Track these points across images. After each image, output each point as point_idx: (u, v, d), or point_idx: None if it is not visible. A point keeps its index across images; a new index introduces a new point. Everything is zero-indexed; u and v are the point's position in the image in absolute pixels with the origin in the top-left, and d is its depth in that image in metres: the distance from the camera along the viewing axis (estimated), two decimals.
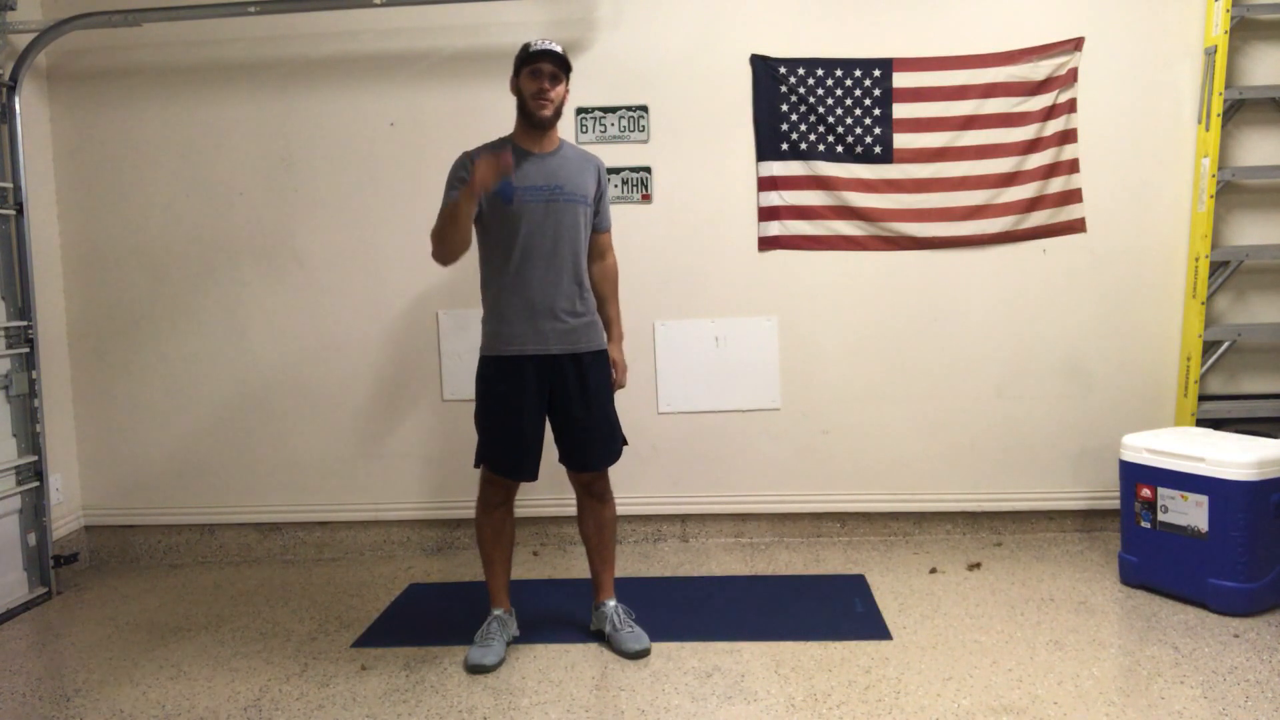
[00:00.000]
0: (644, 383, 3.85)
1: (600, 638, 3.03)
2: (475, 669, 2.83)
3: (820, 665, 2.79)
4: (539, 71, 2.75)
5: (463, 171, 2.77)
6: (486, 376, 2.88)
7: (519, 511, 3.95)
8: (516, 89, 2.82)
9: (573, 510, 3.88)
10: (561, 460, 2.96)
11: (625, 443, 3.02)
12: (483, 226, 2.86)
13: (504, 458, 2.88)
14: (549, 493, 3.93)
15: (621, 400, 3.91)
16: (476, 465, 2.95)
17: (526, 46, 2.77)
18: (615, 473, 3.92)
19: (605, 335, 2.98)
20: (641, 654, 2.90)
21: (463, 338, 3.89)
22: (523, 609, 3.30)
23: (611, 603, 3.03)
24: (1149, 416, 3.73)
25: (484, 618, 3.01)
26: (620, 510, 3.91)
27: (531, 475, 2.91)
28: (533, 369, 2.82)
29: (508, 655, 2.93)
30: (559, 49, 2.76)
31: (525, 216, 2.78)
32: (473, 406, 3.87)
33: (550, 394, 2.86)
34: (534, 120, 2.79)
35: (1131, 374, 3.79)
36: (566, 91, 2.84)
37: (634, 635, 2.95)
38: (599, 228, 2.99)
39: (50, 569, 3.67)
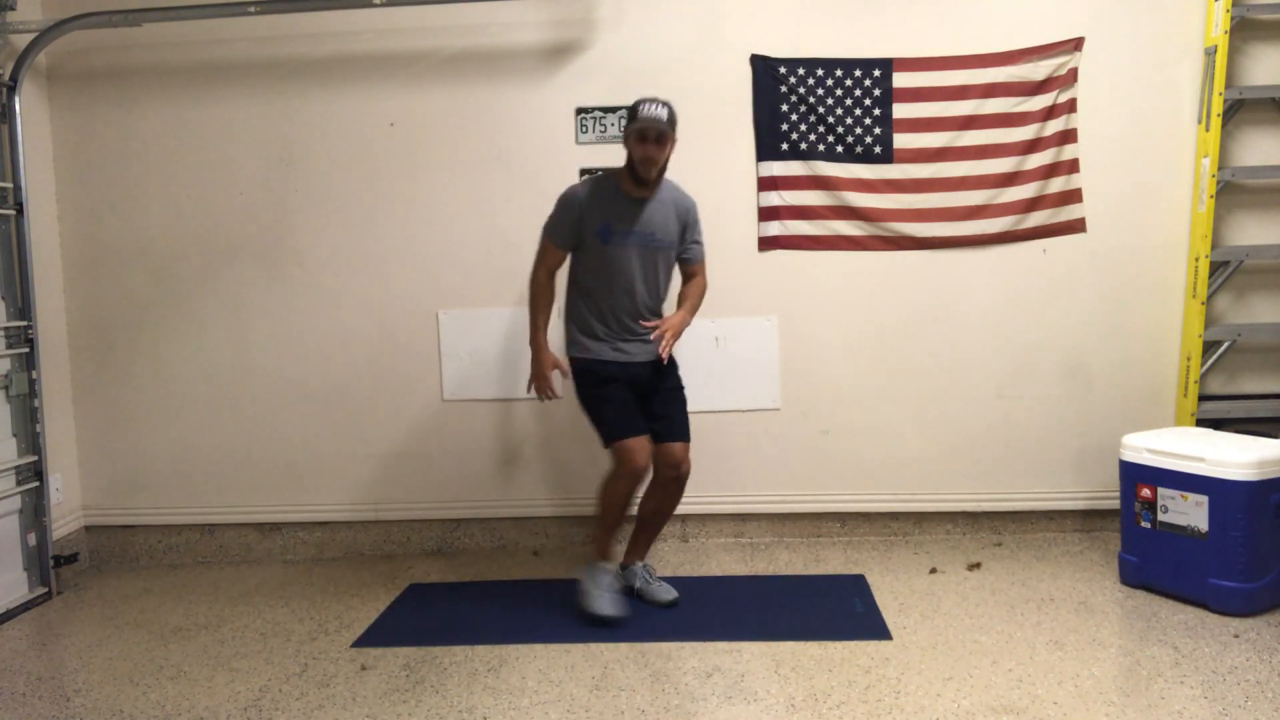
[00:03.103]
0: None
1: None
2: (607, 621, 3.08)
3: (820, 665, 2.79)
4: (645, 136, 3.02)
5: (574, 210, 3.10)
6: (585, 374, 3.18)
7: (518, 511, 3.98)
8: (626, 144, 3.09)
9: (572, 511, 3.92)
10: (660, 439, 3.18)
11: None
12: (580, 253, 3.17)
13: (629, 419, 3.11)
14: (549, 493, 3.94)
15: None
16: (607, 444, 3.14)
17: (636, 107, 3.04)
18: None
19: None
20: (673, 603, 3.20)
21: (463, 338, 3.89)
22: (523, 609, 3.30)
23: (641, 563, 3.32)
24: (1149, 416, 3.73)
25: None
26: None
27: (648, 431, 3.16)
28: (620, 369, 3.15)
29: (513, 654, 2.93)
30: (664, 115, 3.02)
31: (618, 255, 3.11)
32: (474, 407, 3.96)
33: (644, 387, 3.18)
34: (638, 179, 3.08)
35: (1131, 374, 3.79)
36: (673, 147, 3.10)
37: (665, 588, 3.25)
38: (690, 260, 3.28)
39: (50, 569, 3.67)
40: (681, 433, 3.21)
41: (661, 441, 3.18)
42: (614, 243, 3.09)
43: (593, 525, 3.38)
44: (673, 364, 3.29)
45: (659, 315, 3.20)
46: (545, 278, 3.20)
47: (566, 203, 3.15)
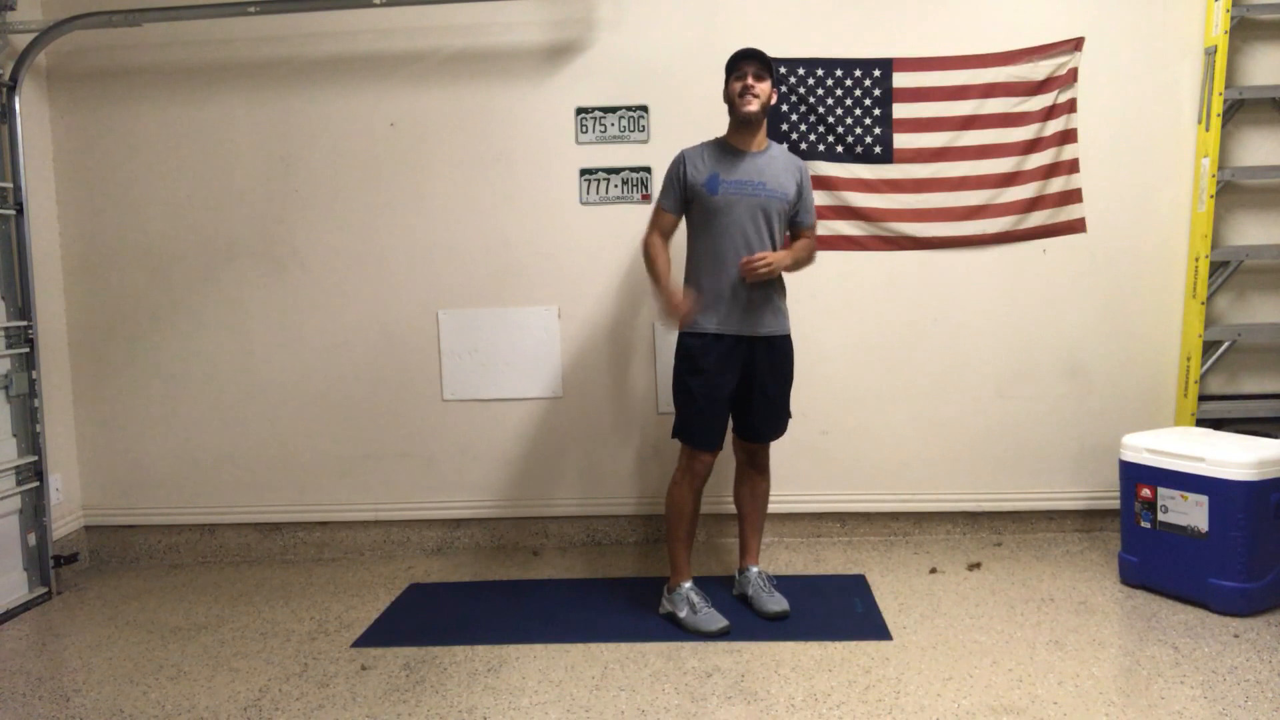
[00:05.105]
0: (644, 383, 3.86)
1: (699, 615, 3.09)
2: (723, 631, 3.00)
3: (820, 665, 2.79)
4: (742, 72, 3.03)
5: (681, 168, 3.11)
6: (686, 353, 3.11)
7: (518, 511, 3.98)
8: (726, 95, 3.09)
9: (572, 511, 3.93)
10: (737, 432, 3.21)
11: (790, 416, 3.29)
12: (691, 214, 3.14)
13: (706, 430, 3.09)
14: (549, 493, 3.94)
15: (623, 400, 3.92)
16: (674, 437, 3.15)
17: (732, 54, 3.06)
18: (613, 474, 3.93)
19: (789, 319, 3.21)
20: (781, 615, 3.09)
21: (463, 338, 3.89)
22: (523, 609, 3.30)
23: (755, 569, 3.26)
24: (1149, 416, 3.73)
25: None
26: (619, 511, 3.95)
27: (720, 445, 3.12)
28: (729, 346, 3.06)
29: (513, 654, 2.93)
30: (760, 52, 3.04)
31: (729, 208, 3.05)
32: (474, 407, 3.94)
33: (743, 372, 3.10)
34: (740, 116, 3.05)
35: (1131, 374, 3.79)
36: (773, 92, 3.08)
37: (774, 599, 3.15)
38: (802, 223, 3.21)
39: (50, 569, 3.67)
40: (766, 435, 3.21)
41: (742, 438, 3.23)
42: (722, 192, 3.03)
43: (665, 543, 3.26)
44: (785, 358, 3.19)
45: (776, 277, 3.11)
46: (657, 239, 3.16)
47: (674, 163, 3.15)
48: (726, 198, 3.03)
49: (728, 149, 3.11)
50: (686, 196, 3.11)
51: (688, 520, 3.14)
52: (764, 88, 3.03)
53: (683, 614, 3.08)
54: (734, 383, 3.09)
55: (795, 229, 3.21)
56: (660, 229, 3.18)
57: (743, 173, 3.05)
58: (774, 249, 3.09)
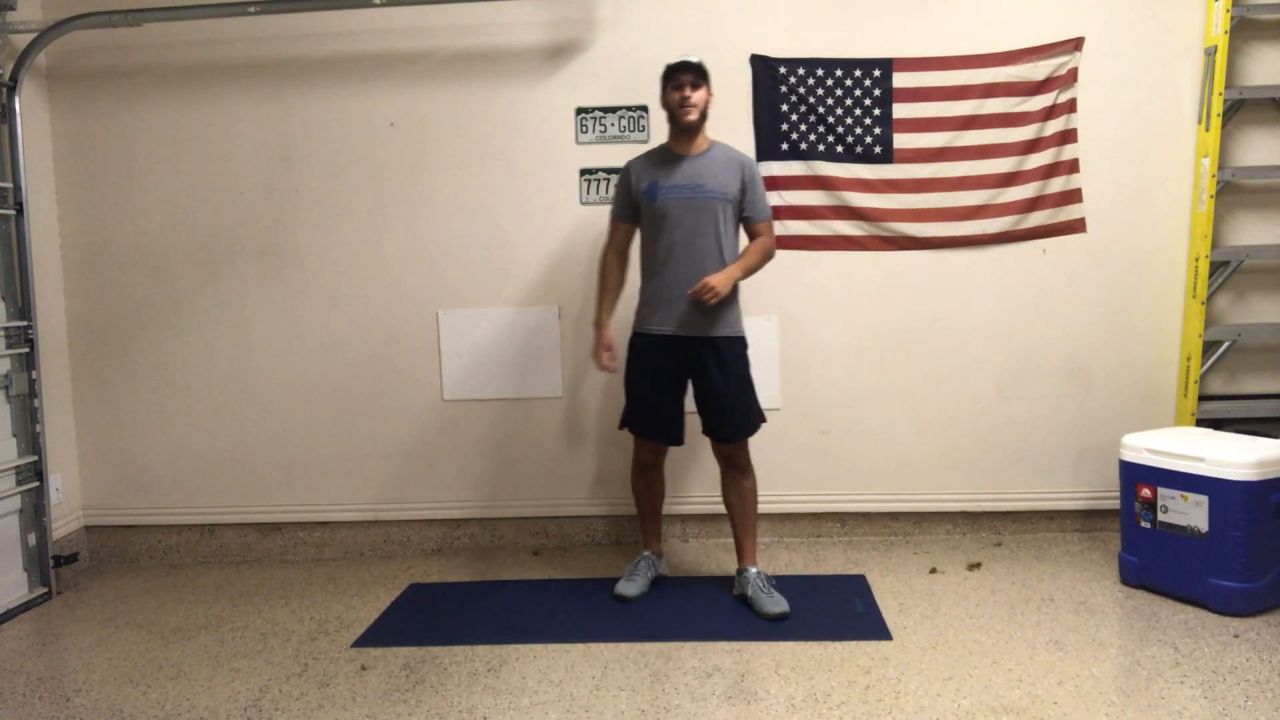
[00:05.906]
0: None
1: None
2: (617, 598, 3.30)
3: (820, 665, 2.79)
4: (680, 83, 3.11)
5: (627, 177, 3.26)
6: (632, 349, 3.27)
7: (518, 511, 3.99)
8: (665, 103, 3.17)
9: (572, 511, 3.94)
10: (704, 432, 3.28)
11: (764, 419, 3.29)
12: (641, 220, 3.25)
13: (644, 422, 3.27)
14: (549, 493, 3.94)
15: (622, 400, 3.92)
16: (620, 428, 3.35)
17: (668, 65, 3.14)
18: (612, 473, 3.93)
19: (741, 321, 3.23)
20: (781, 617, 3.10)
21: (463, 338, 3.89)
22: (523, 609, 3.30)
23: (754, 569, 3.28)
24: (1149, 416, 3.73)
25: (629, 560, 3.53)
26: (618, 511, 3.95)
27: (673, 439, 3.30)
28: (670, 346, 3.17)
29: (513, 654, 2.93)
30: (694, 59, 3.12)
31: (668, 213, 3.14)
32: (474, 407, 4.04)
33: (690, 371, 3.21)
34: (680, 125, 3.15)
35: (1131, 374, 3.79)
36: (710, 96, 3.16)
37: (774, 600, 3.15)
38: (753, 218, 3.24)
39: (50, 569, 3.67)
40: (719, 433, 3.22)
41: (706, 434, 3.28)
42: (661, 198, 3.13)
43: None
44: (737, 357, 3.19)
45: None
46: (611, 257, 3.32)
47: (621, 173, 3.29)
48: (665, 203, 3.13)
49: (668, 155, 3.20)
50: (634, 204, 3.23)
51: (640, 499, 3.42)
52: (700, 96, 3.11)
53: (625, 571, 3.40)
54: (674, 381, 3.21)
55: (747, 225, 3.25)
56: (614, 242, 3.32)
57: (680, 177, 3.14)
58: (720, 249, 3.14)
